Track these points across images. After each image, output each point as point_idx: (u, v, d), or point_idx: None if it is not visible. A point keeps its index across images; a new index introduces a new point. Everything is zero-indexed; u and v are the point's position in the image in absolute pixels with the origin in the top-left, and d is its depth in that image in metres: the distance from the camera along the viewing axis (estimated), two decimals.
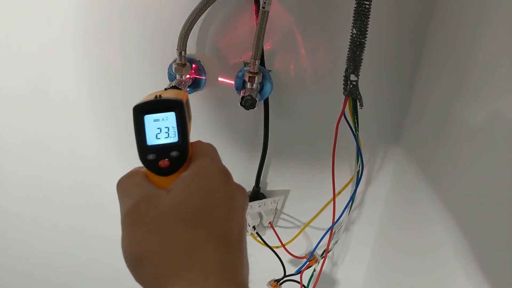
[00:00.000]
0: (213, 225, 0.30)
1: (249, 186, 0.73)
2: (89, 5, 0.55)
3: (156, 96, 0.33)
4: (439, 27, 0.61)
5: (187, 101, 0.37)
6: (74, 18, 0.56)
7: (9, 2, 0.55)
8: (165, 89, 0.42)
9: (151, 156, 0.33)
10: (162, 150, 0.33)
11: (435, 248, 0.63)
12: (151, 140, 0.33)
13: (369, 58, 0.52)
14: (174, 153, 0.33)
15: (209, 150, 0.36)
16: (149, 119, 0.33)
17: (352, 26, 0.49)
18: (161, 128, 0.33)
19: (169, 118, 0.33)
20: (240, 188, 0.35)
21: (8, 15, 0.56)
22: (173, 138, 0.33)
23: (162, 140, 0.33)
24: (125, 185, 0.34)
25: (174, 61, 0.57)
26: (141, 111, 0.33)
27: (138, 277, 0.29)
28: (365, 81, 0.54)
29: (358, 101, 0.54)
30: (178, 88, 0.54)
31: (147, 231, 0.29)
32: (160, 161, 0.33)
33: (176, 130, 0.33)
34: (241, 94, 0.56)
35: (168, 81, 0.60)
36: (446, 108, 0.59)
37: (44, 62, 0.60)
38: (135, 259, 0.29)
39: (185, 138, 0.34)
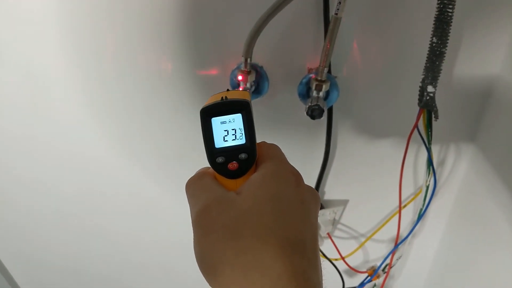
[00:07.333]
0: (285, 232, 0.28)
1: None
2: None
3: (222, 98, 0.32)
4: None
5: (251, 101, 0.36)
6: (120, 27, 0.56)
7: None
8: (228, 90, 0.41)
9: (220, 159, 0.32)
10: (231, 152, 0.33)
11: (505, 269, 0.59)
12: (219, 143, 0.33)
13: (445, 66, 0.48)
14: (242, 155, 0.33)
15: (276, 151, 0.35)
16: (216, 121, 0.32)
17: (432, 34, 0.46)
18: (228, 130, 0.33)
19: (236, 120, 0.32)
20: (311, 190, 0.33)
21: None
22: (241, 140, 0.33)
23: (230, 143, 0.33)
24: (194, 187, 0.33)
25: (238, 67, 0.56)
26: (208, 114, 0.32)
27: (211, 284, 0.29)
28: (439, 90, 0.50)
29: (433, 113, 0.51)
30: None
31: (219, 239, 0.28)
32: (229, 163, 0.32)
33: (243, 131, 0.33)
34: (308, 104, 0.54)
35: (231, 87, 0.59)
36: None
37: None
38: (209, 267, 0.28)
39: (252, 139, 0.33)
